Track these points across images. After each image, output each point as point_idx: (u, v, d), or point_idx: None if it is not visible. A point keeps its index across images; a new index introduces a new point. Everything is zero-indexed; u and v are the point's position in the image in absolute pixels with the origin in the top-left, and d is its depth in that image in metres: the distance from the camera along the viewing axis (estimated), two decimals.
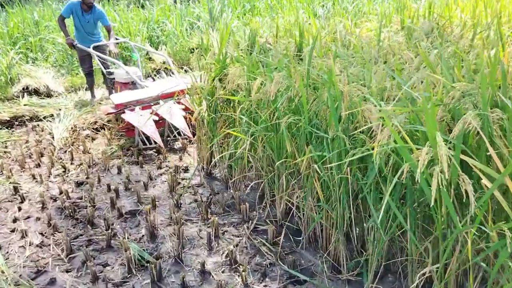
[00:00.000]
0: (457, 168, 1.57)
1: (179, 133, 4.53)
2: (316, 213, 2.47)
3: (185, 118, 4.14)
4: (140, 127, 4.09)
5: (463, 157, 1.59)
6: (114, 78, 5.42)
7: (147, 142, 4.38)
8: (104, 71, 5.54)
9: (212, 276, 2.41)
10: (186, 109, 4.28)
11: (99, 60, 5.44)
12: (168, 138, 4.52)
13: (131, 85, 5.12)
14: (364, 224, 2.32)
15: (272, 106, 2.52)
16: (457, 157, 1.59)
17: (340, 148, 2.11)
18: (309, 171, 2.39)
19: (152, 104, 4.35)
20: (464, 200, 1.56)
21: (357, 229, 2.37)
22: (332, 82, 2.13)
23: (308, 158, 2.32)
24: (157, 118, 4.21)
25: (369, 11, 8.17)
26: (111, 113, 4.47)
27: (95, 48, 5.44)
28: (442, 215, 1.73)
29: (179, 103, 4.32)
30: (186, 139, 4.48)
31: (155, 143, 4.22)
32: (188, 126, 4.14)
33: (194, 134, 4.35)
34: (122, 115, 4.26)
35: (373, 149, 1.80)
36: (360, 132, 2.06)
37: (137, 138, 4.38)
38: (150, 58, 8.09)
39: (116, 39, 5.95)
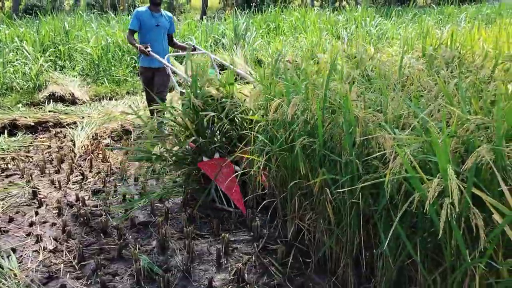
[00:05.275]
0: (469, 201, 1.56)
1: None
2: (326, 236, 2.46)
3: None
4: (219, 183, 3.18)
5: (475, 190, 1.58)
6: None
7: (224, 202, 3.32)
8: (178, 89, 4.06)
9: None
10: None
11: (173, 76, 4.41)
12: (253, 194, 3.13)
13: None
14: (374, 251, 2.30)
15: (289, 128, 2.54)
16: (468, 190, 1.58)
17: (353, 173, 2.12)
18: (321, 193, 2.40)
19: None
20: (475, 234, 1.54)
21: (367, 254, 2.36)
22: (348, 107, 2.15)
23: (322, 181, 2.33)
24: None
25: (392, 35, 8.20)
26: None
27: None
28: (452, 247, 1.72)
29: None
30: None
31: (235, 205, 3.22)
32: None
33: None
34: (199, 164, 3.28)
35: (385, 176, 1.81)
36: (373, 157, 2.07)
37: (213, 192, 3.32)
38: None
39: (195, 48, 5.07)
